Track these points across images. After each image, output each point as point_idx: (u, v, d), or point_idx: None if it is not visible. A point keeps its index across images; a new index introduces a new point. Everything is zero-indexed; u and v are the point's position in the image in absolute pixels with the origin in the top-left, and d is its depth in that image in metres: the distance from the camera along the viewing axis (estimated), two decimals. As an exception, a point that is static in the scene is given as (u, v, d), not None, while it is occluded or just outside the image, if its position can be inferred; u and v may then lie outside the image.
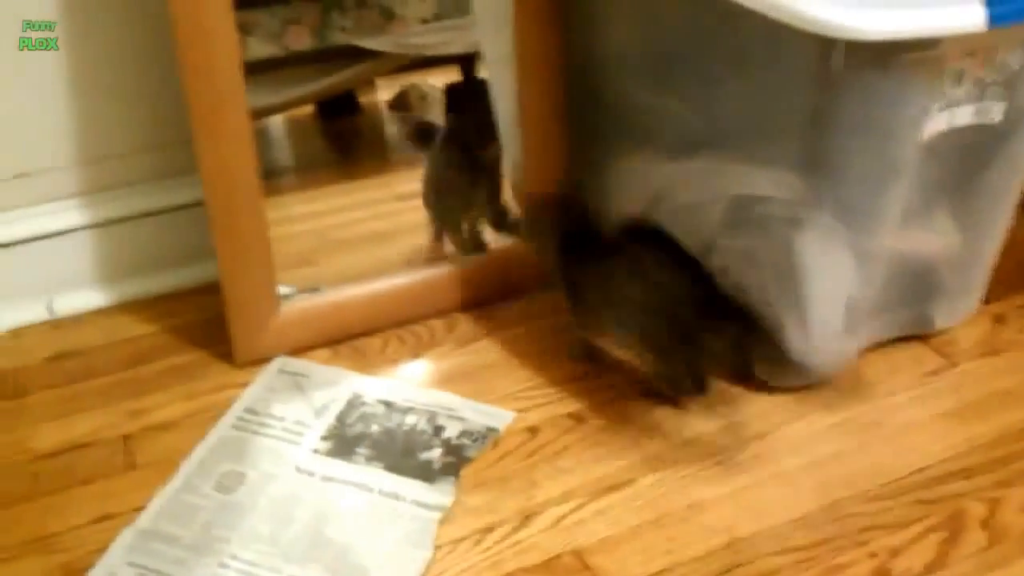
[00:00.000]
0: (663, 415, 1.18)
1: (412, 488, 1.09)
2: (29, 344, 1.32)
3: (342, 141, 1.71)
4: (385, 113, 1.69)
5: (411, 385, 1.24)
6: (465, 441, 1.15)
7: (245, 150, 1.19)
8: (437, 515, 1.06)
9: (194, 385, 1.24)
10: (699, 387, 1.18)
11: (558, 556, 1.01)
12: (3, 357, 1.30)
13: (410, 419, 1.19)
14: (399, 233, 1.52)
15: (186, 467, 1.12)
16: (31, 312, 1.36)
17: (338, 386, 1.24)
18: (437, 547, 1.02)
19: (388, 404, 1.21)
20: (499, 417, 1.18)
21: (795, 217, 1.10)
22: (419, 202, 1.61)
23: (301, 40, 1.46)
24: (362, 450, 1.14)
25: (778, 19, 0.94)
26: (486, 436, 1.16)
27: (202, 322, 1.34)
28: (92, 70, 1.30)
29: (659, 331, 1.15)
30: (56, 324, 1.36)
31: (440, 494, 1.08)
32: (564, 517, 1.05)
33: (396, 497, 1.08)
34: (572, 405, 1.20)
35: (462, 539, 1.03)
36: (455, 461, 1.13)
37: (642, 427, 1.17)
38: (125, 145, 1.36)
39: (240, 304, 1.25)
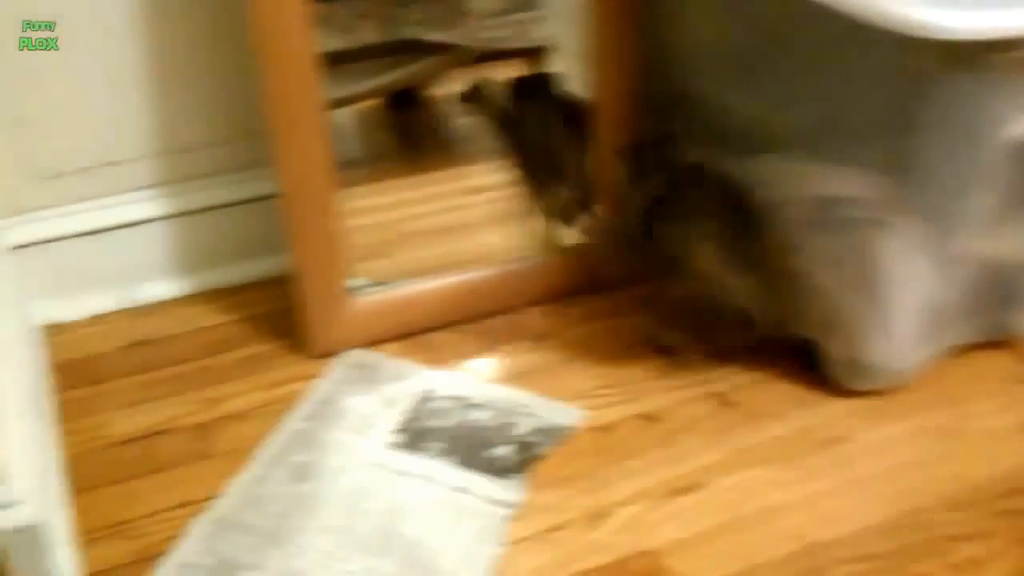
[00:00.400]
0: (737, 417, 1.17)
1: (482, 484, 1.09)
2: (107, 331, 1.35)
3: (410, 133, 1.72)
4: (453, 106, 1.69)
5: (482, 381, 1.24)
6: (536, 438, 1.15)
7: (320, 142, 1.20)
8: (507, 512, 1.06)
9: (268, 376, 1.25)
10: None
11: (629, 557, 1.01)
12: (82, 344, 1.32)
13: (481, 415, 1.19)
14: (469, 227, 1.52)
15: (261, 457, 1.13)
16: (109, 300, 1.38)
17: (409, 380, 1.24)
18: (507, 544, 1.02)
19: (459, 399, 1.21)
20: (571, 415, 1.18)
21: (877, 219, 1.09)
22: (489, 196, 1.62)
23: (371, 33, 1.47)
24: (433, 444, 1.15)
25: (867, 18, 0.92)
26: (557, 434, 1.15)
27: (275, 313, 1.35)
28: (172, 61, 1.32)
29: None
30: (134, 312, 1.38)
31: (510, 491, 1.08)
32: (636, 518, 1.05)
33: (466, 492, 1.08)
34: (645, 405, 1.19)
35: (532, 537, 1.03)
36: (526, 458, 1.12)
37: (715, 429, 1.16)
38: (204, 137, 1.37)
39: (313, 296, 1.26)
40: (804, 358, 1.23)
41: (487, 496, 1.08)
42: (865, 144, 1.09)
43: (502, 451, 1.13)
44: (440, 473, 1.11)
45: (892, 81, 1.04)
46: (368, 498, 1.08)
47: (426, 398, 1.21)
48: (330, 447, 1.14)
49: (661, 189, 1.25)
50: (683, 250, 1.22)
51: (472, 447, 1.14)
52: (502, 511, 1.06)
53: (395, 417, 1.19)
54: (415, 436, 1.16)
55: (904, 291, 1.12)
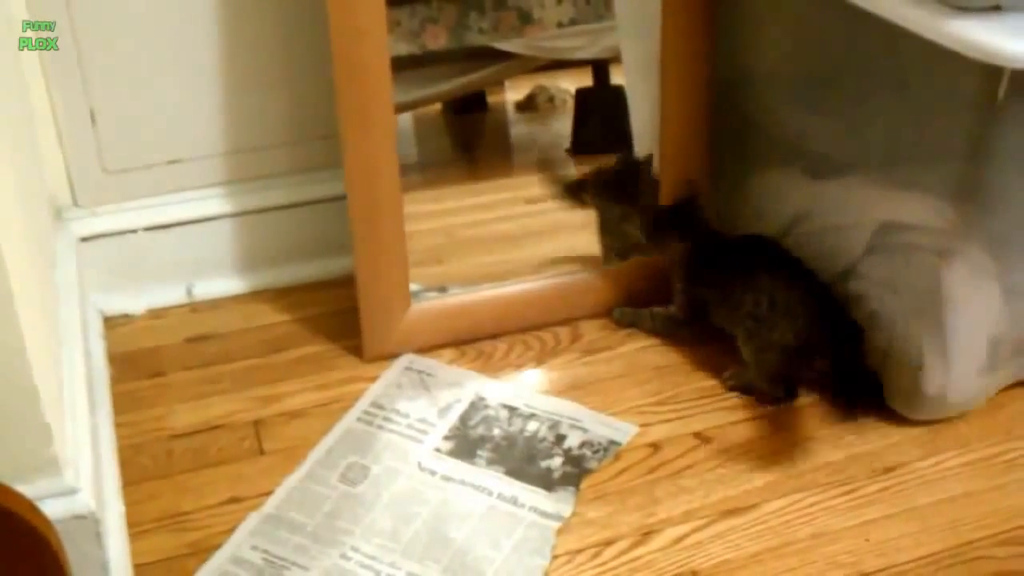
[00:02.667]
0: (790, 440, 1.16)
1: (531, 495, 1.09)
2: (168, 325, 1.37)
3: (469, 140, 1.73)
4: (512, 114, 1.70)
5: (534, 391, 1.24)
6: (586, 452, 1.15)
7: (389, 146, 1.21)
8: (556, 524, 1.06)
9: (324, 376, 1.27)
10: (790, 394, 1.21)
11: (676, 576, 1.00)
12: (144, 337, 1.34)
13: (532, 425, 1.19)
14: (527, 236, 1.52)
15: (313, 456, 1.14)
16: (171, 294, 1.41)
17: (462, 387, 1.24)
18: (554, 557, 1.02)
19: (511, 409, 1.21)
20: (622, 430, 1.18)
21: (943, 247, 1.07)
22: (547, 206, 1.62)
23: (438, 39, 1.48)
24: (483, 453, 1.15)
25: (946, 46, 0.91)
26: (608, 448, 1.15)
27: (333, 314, 1.37)
28: (245, 63, 1.34)
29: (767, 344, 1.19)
30: (194, 307, 1.40)
31: (559, 503, 1.08)
32: (684, 537, 1.04)
33: (515, 503, 1.09)
34: (697, 424, 1.19)
35: (580, 551, 1.03)
36: (575, 471, 1.12)
37: (768, 452, 1.15)
38: (269, 138, 1.39)
39: (373, 299, 1.27)
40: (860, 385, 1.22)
41: (535, 507, 1.08)
42: (932, 170, 1.07)
43: (552, 463, 1.14)
44: (489, 482, 1.11)
45: (962, 107, 1.03)
46: (417, 503, 1.09)
47: (478, 406, 1.22)
48: (382, 450, 1.15)
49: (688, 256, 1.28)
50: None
51: (522, 458, 1.14)
52: (550, 523, 1.06)
53: (447, 423, 1.19)
54: (466, 443, 1.16)
55: (966, 321, 1.10)
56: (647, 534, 1.05)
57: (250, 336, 1.34)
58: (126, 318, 1.38)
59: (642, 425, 1.18)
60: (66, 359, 1.14)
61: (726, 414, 1.20)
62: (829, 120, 1.19)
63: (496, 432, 1.18)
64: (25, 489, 0.82)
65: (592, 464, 1.13)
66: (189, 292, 1.41)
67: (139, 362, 1.30)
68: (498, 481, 1.11)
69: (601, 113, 1.64)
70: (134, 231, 1.37)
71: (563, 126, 1.67)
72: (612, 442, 1.16)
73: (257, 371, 1.28)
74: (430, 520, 1.07)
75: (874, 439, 1.16)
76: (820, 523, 1.06)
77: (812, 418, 1.19)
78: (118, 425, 1.18)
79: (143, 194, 1.37)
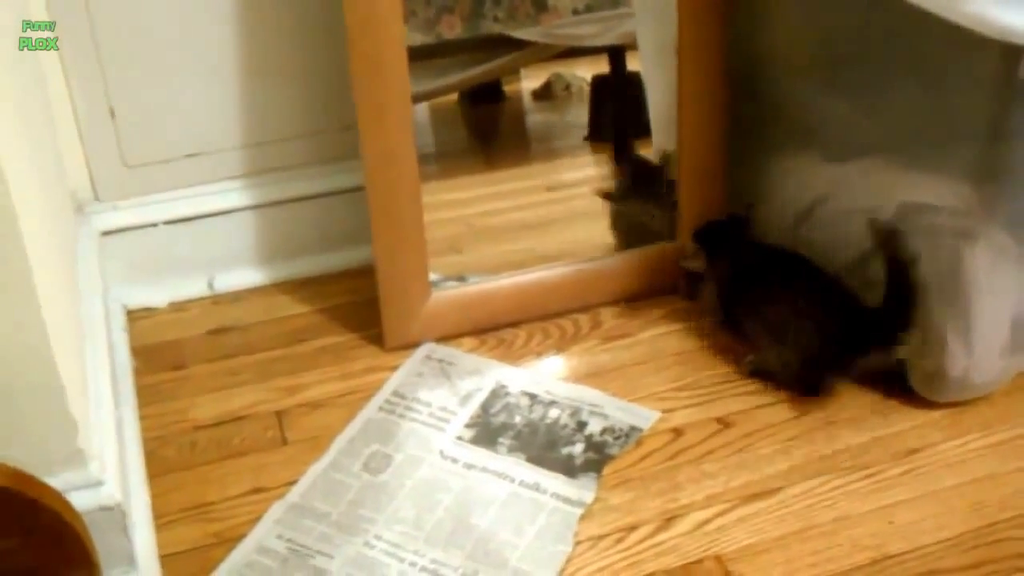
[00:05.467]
0: (812, 424, 1.16)
1: (553, 482, 1.10)
2: (190, 318, 1.38)
3: (486, 129, 1.73)
4: (528, 102, 1.70)
5: (555, 379, 1.24)
6: (608, 438, 1.15)
7: (407, 136, 1.22)
8: (578, 511, 1.06)
9: (345, 366, 1.27)
10: (812, 392, 1.19)
11: (699, 561, 1.00)
12: (166, 329, 1.35)
13: (553, 412, 1.19)
14: (545, 225, 1.52)
15: (336, 445, 1.15)
16: (193, 287, 1.41)
17: (483, 375, 1.25)
18: (577, 542, 1.03)
19: (532, 396, 1.22)
20: (643, 416, 1.18)
21: (965, 228, 1.07)
22: (565, 194, 1.62)
23: (454, 29, 1.48)
24: (505, 440, 1.15)
25: (966, 26, 0.90)
26: (629, 435, 1.15)
27: (355, 304, 1.37)
28: (262, 55, 1.34)
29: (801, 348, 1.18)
30: (216, 300, 1.41)
31: (581, 490, 1.08)
32: (707, 522, 1.04)
33: (537, 489, 1.09)
34: (719, 409, 1.18)
35: (603, 536, 1.03)
36: (597, 458, 1.12)
37: (790, 436, 1.15)
38: (288, 130, 1.40)
39: (393, 289, 1.27)
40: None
41: (557, 494, 1.08)
42: (952, 151, 1.07)
43: (573, 449, 1.14)
44: (511, 469, 1.11)
45: (982, 87, 1.02)
46: (440, 490, 1.09)
47: (498, 394, 1.22)
48: (404, 438, 1.16)
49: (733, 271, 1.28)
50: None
51: (544, 444, 1.15)
52: (573, 510, 1.06)
53: (468, 411, 1.20)
54: (487, 431, 1.17)
55: (989, 303, 1.10)
56: (670, 519, 1.05)
57: (271, 327, 1.35)
58: (148, 311, 1.39)
59: (664, 411, 1.18)
60: (90, 352, 1.14)
61: (748, 399, 1.20)
62: (848, 103, 1.18)
63: (517, 419, 1.18)
64: (52, 481, 0.83)
65: (614, 450, 1.13)
66: (210, 285, 1.42)
67: (162, 355, 1.31)
68: (520, 468, 1.11)
69: (618, 100, 1.64)
70: (155, 225, 1.38)
71: (580, 114, 1.67)
72: (634, 428, 1.16)
73: (279, 362, 1.28)
74: (453, 507, 1.07)
75: (897, 422, 1.16)
76: (843, 506, 1.05)
77: (834, 402, 1.19)
78: (142, 417, 1.19)
79: (163, 188, 1.38)
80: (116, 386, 1.16)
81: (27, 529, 0.78)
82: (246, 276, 1.43)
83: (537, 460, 1.13)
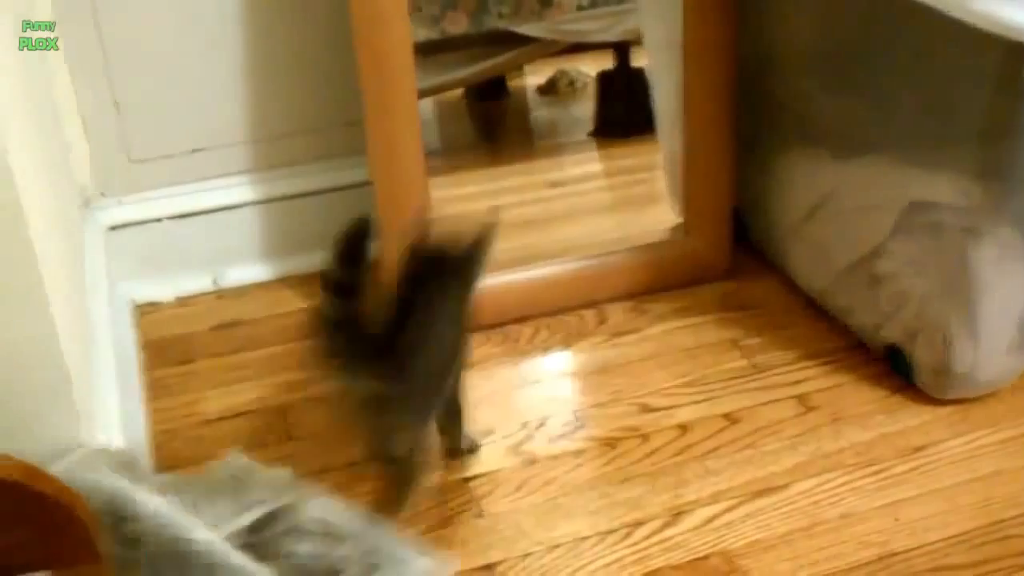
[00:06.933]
0: (819, 421, 1.16)
1: None
2: (196, 313, 1.38)
3: (490, 125, 1.73)
4: (533, 98, 1.70)
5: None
6: None
7: (413, 132, 1.22)
8: None
9: (351, 361, 1.27)
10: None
11: (706, 557, 1.00)
12: (172, 324, 1.35)
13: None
14: (550, 220, 1.52)
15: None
16: (198, 282, 1.42)
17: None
18: (584, 538, 1.02)
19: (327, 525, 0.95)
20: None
21: (971, 226, 1.07)
22: (570, 190, 1.62)
23: (459, 24, 1.48)
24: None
25: (972, 23, 0.90)
26: None
27: (359, 300, 1.37)
28: (266, 52, 1.34)
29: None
30: (221, 294, 1.41)
31: None
32: (713, 518, 1.04)
33: None
34: (725, 405, 1.18)
35: (610, 532, 1.03)
36: None
37: (796, 432, 1.15)
38: (294, 125, 1.40)
39: (398, 285, 1.27)
40: (889, 364, 1.21)
41: None
42: (958, 149, 1.07)
43: None
44: None
45: (987, 85, 1.02)
46: None
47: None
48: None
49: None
50: None
51: None
52: None
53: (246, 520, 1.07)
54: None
55: (995, 300, 1.10)
56: (677, 515, 1.05)
57: (277, 322, 1.35)
58: (154, 306, 1.39)
59: (670, 407, 1.19)
60: (97, 347, 1.15)
61: (754, 395, 1.20)
62: (854, 100, 1.18)
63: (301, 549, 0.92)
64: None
65: None
66: (216, 280, 1.42)
67: (168, 349, 1.31)
68: None
69: (623, 96, 1.64)
70: (160, 220, 1.38)
71: (584, 110, 1.67)
72: None
73: (286, 357, 1.28)
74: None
75: (903, 419, 1.16)
76: (849, 503, 1.05)
77: (841, 398, 1.19)
78: (151, 411, 1.20)
79: (169, 183, 1.38)
80: (123, 380, 1.16)
81: (36, 522, 0.78)
82: (252, 271, 1.43)
83: None
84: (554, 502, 1.07)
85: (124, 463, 0.95)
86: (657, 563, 1.00)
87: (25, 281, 0.85)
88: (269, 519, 0.94)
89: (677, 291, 1.37)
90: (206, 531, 0.87)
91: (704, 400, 1.19)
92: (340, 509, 0.98)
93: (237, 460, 1.02)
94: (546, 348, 1.29)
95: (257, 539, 0.92)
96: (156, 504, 0.88)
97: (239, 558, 0.86)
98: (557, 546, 1.02)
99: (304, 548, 0.93)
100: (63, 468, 0.91)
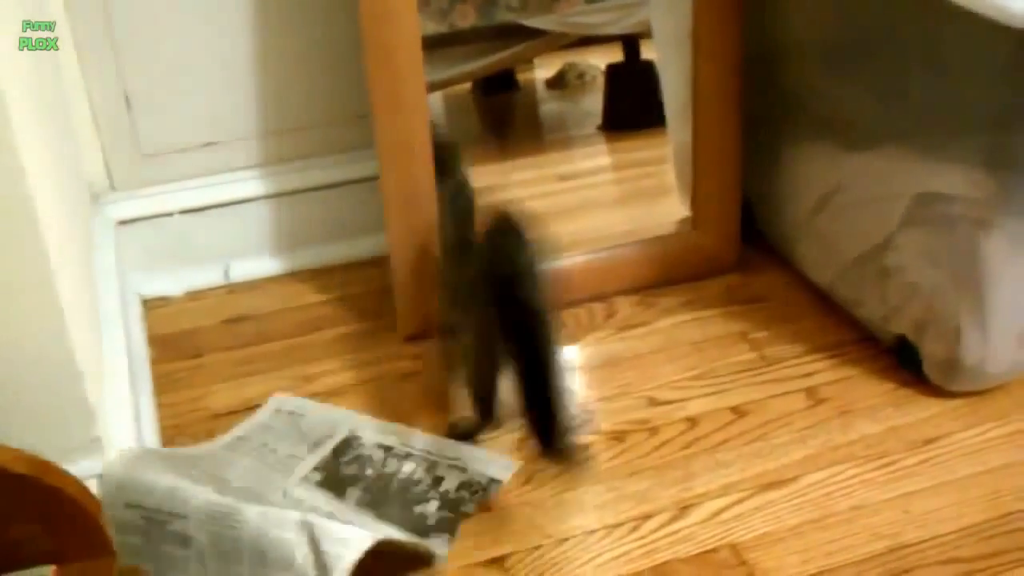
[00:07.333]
0: (828, 413, 1.16)
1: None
2: (206, 307, 1.38)
3: (499, 118, 1.72)
4: (542, 91, 1.69)
5: (411, 429, 1.15)
6: (464, 494, 1.06)
7: (421, 125, 1.22)
8: None
9: (360, 355, 1.27)
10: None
11: (714, 549, 1.00)
12: (182, 318, 1.36)
13: (407, 467, 1.09)
14: (559, 214, 1.52)
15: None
16: (208, 276, 1.42)
17: (335, 426, 1.15)
18: (592, 531, 1.03)
19: (386, 448, 1.12)
20: (504, 467, 1.09)
21: (982, 218, 1.06)
22: (579, 183, 1.61)
23: (467, 18, 1.48)
24: (354, 492, 1.06)
25: (982, 14, 0.90)
26: (488, 488, 1.07)
27: (369, 294, 1.38)
28: (276, 45, 1.35)
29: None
30: (231, 289, 1.42)
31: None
32: (722, 511, 1.04)
33: None
34: (734, 398, 1.18)
35: (618, 525, 1.03)
36: (452, 516, 1.04)
37: (806, 425, 1.14)
38: (304, 119, 1.40)
39: (408, 278, 1.27)
40: (898, 356, 1.21)
41: None
42: (968, 139, 1.06)
43: (427, 508, 1.04)
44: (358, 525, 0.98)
45: (997, 75, 1.02)
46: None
47: (351, 444, 1.13)
48: (244, 472, 1.07)
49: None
50: None
51: (395, 502, 1.05)
52: None
53: (317, 456, 1.11)
54: (337, 478, 1.08)
55: (1005, 292, 1.09)
56: (685, 508, 1.05)
57: (287, 316, 1.36)
58: (164, 300, 1.39)
59: (679, 400, 1.19)
60: (107, 341, 1.15)
61: (763, 388, 1.20)
62: (864, 91, 1.17)
63: (369, 472, 1.09)
64: (70, 469, 0.83)
65: (469, 507, 1.05)
66: (226, 274, 1.42)
67: (178, 343, 1.31)
68: (367, 525, 0.98)
69: (633, 89, 1.63)
70: (171, 214, 1.39)
71: (593, 103, 1.67)
72: (493, 480, 1.08)
73: (294, 351, 1.29)
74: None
75: (913, 411, 1.16)
76: (860, 496, 1.05)
77: (850, 391, 1.19)
78: (159, 406, 1.20)
79: (179, 177, 1.39)
80: (133, 375, 1.16)
81: (47, 516, 0.78)
82: (262, 265, 1.43)
83: (387, 518, 1.02)
84: (562, 496, 1.07)
85: (178, 456, 1.02)
86: (665, 556, 1.00)
87: (36, 276, 0.86)
88: (340, 449, 1.11)
89: (686, 284, 1.37)
90: (258, 505, 0.91)
91: (713, 393, 1.19)
92: (393, 430, 1.15)
93: (285, 398, 1.19)
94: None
95: (331, 470, 1.08)
96: (206, 497, 0.92)
97: (292, 527, 0.89)
98: (566, 539, 1.02)
99: (370, 471, 1.08)
100: (119, 468, 0.96)
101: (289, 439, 1.13)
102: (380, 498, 1.06)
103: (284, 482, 1.06)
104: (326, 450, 1.11)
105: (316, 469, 1.09)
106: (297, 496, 1.04)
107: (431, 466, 1.10)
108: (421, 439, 1.14)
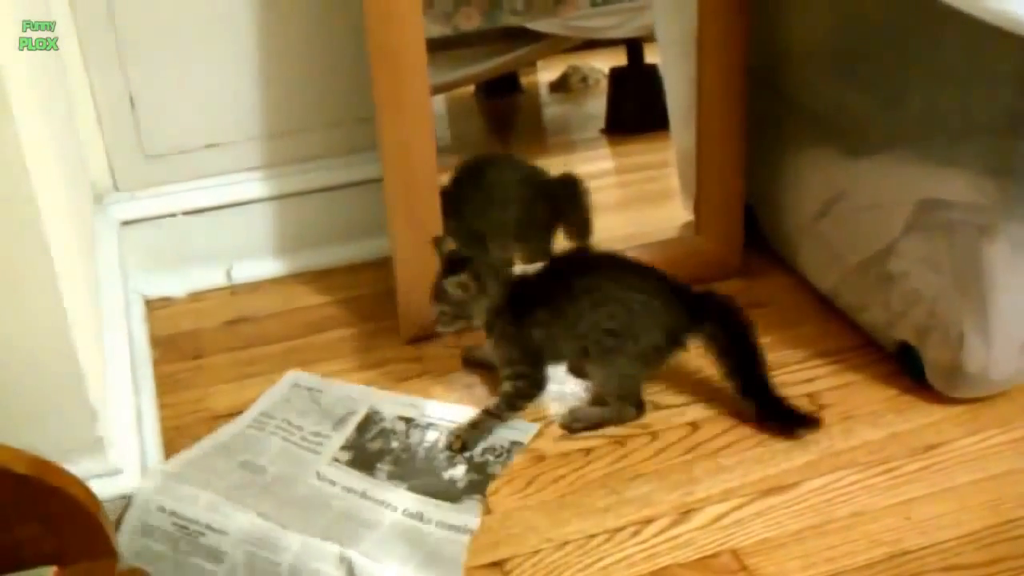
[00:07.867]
0: (830, 419, 1.15)
1: (437, 510, 1.04)
2: (208, 308, 1.38)
3: (502, 121, 1.72)
4: (545, 95, 1.69)
5: (429, 400, 1.20)
6: (489, 457, 1.11)
7: (425, 128, 1.22)
8: (465, 538, 1.01)
9: (362, 357, 1.28)
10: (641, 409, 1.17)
11: (715, 554, 1.00)
12: (184, 319, 1.36)
13: (431, 435, 1.14)
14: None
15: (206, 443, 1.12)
16: (211, 277, 1.42)
17: (355, 402, 1.19)
18: (592, 536, 1.03)
19: (407, 420, 1.16)
20: (523, 430, 1.14)
21: (984, 224, 1.06)
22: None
23: (471, 20, 1.48)
24: (383, 466, 1.10)
25: (986, 21, 0.90)
26: (510, 450, 1.12)
27: (371, 296, 1.38)
28: (280, 48, 1.35)
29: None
30: (234, 290, 1.42)
31: (466, 515, 1.04)
32: (723, 516, 1.04)
33: (421, 519, 1.03)
34: (735, 403, 1.18)
35: (619, 529, 1.03)
36: (480, 479, 1.08)
37: (807, 431, 1.14)
38: (307, 121, 1.40)
39: (410, 280, 1.27)
40: (900, 362, 1.21)
41: (443, 522, 1.03)
42: (972, 146, 1.06)
43: (455, 473, 1.09)
44: (393, 497, 1.06)
45: (1001, 82, 1.02)
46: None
47: (373, 420, 1.17)
48: (276, 455, 1.11)
49: None
50: None
51: (424, 470, 1.10)
52: (459, 537, 1.01)
53: (343, 435, 1.14)
54: (364, 455, 1.12)
55: (1008, 298, 1.09)
56: (687, 512, 1.05)
57: (289, 318, 1.36)
58: (167, 301, 1.40)
59: (680, 405, 1.19)
60: (109, 342, 1.15)
61: (764, 393, 1.20)
62: (867, 98, 1.17)
63: (395, 445, 1.12)
64: (71, 469, 0.83)
65: (496, 468, 1.10)
66: (228, 275, 1.42)
67: (180, 344, 1.31)
68: (401, 496, 1.05)
69: (636, 93, 1.63)
70: (174, 215, 1.39)
71: (596, 106, 1.67)
72: (515, 443, 1.13)
73: (296, 353, 1.29)
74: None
75: (914, 417, 1.16)
76: (861, 502, 1.05)
77: (852, 397, 1.19)
78: (161, 407, 1.20)
79: (182, 178, 1.39)
80: (135, 376, 1.16)
81: (48, 516, 0.78)
82: (264, 267, 1.44)
83: (419, 488, 1.06)
84: (563, 499, 1.07)
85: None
86: (666, 561, 1.00)
87: (39, 276, 0.86)
88: (363, 426, 1.14)
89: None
90: (297, 535, 0.96)
91: (715, 398, 1.19)
92: (411, 402, 1.18)
93: (300, 373, 1.23)
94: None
95: (359, 447, 1.12)
96: (250, 518, 0.98)
97: (332, 561, 0.95)
98: (566, 543, 1.02)
99: (395, 444, 1.12)
100: (159, 480, 1.00)
101: (311, 416, 1.16)
102: (408, 469, 1.10)
103: (316, 463, 1.10)
104: (350, 428, 1.15)
105: (344, 448, 1.12)
106: (330, 477, 1.08)
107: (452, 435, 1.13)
108: (439, 408, 1.18)
